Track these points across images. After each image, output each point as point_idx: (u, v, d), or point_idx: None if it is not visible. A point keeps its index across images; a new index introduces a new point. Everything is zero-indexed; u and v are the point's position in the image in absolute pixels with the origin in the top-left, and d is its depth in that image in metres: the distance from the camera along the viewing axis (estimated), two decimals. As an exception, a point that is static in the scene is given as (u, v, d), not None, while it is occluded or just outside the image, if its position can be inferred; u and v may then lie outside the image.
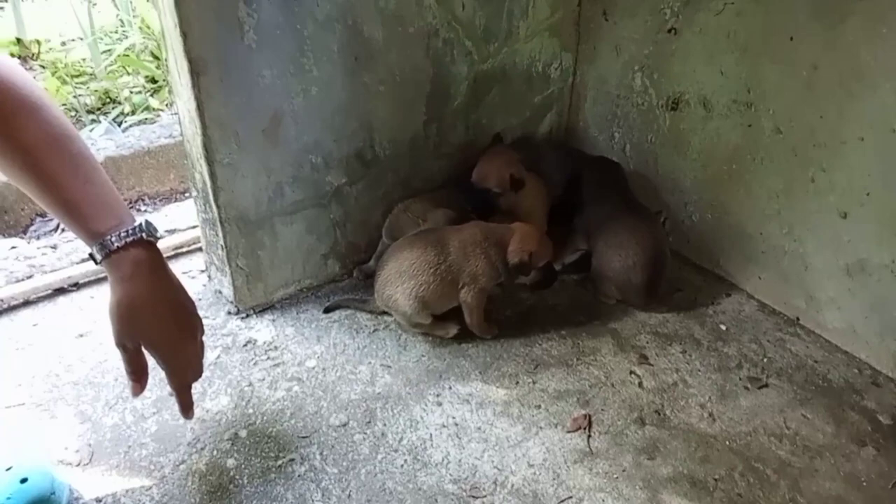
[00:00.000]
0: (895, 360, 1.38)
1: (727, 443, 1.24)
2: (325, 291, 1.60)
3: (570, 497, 1.13)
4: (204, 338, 1.06)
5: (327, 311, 1.52)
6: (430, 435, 1.23)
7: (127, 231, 0.89)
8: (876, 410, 1.31)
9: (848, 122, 1.32)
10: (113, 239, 0.88)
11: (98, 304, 1.54)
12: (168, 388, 1.03)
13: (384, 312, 1.48)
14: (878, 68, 1.25)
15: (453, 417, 1.27)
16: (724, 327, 1.53)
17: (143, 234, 0.90)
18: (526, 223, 1.46)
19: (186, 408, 1.04)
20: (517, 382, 1.36)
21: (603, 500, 1.12)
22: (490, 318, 1.49)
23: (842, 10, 1.28)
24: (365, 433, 1.23)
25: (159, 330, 0.94)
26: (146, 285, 0.91)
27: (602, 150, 1.90)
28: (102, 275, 1.58)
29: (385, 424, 1.25)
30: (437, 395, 1.32)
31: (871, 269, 1.37)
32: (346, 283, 1.62)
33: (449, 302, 1.42)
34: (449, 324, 1.45)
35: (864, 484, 1.16)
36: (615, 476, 1.16)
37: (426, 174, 1.69)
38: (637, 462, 1.19)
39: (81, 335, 1.44)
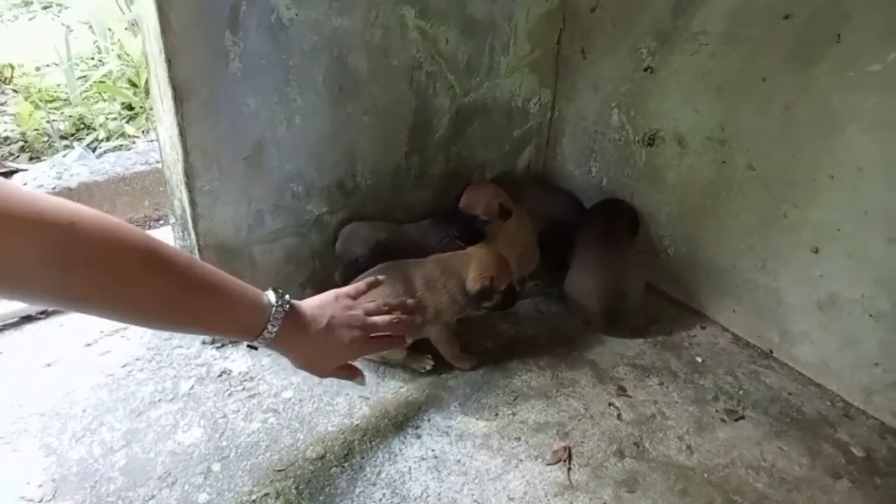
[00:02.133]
0: (866, 394, 1.41)
1: (706, 475, 1.24)
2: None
3: (552, 531, 1.11)
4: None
5: None
6: (409, 468, 1.21)
7: (272, 317, 1.01)
8: (849, 443, 1.33)
9: (819, 160, 1.37)
10: (266, 334, 1.00)
11: (67, 332, 1.49)
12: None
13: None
14: (846, 110, 1.30)
15: (432, 450, 1.25)
16: (700, 359, 1.55)
17: (283, 309, 1.02)
18: (483, 247, 1.46)
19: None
20: (497, 414, 1.35)
21: (584, 535, 1.11)
22: (468, 349, 1.48)
23: (812, 55, 1.33)
24: (342, 466, 1.20)
25: (337, 359, 1.15)
26: (307, 344, 1.08)
27: (579, 185, 1.93)
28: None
29: (363, 457, 1.23)
30: (417, 428, 1.30)
31: (842, 303, 1.41)
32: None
33: (419, 334, 1.41)
34: (424, 357, 1.44)
35: (841, 517, 1.17)
36: (596, 510, 1.15)
37: (407, 204, 1.70)
38: (617, 495, 1.18)
39: (49, 364, 1.40)
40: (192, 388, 1.36)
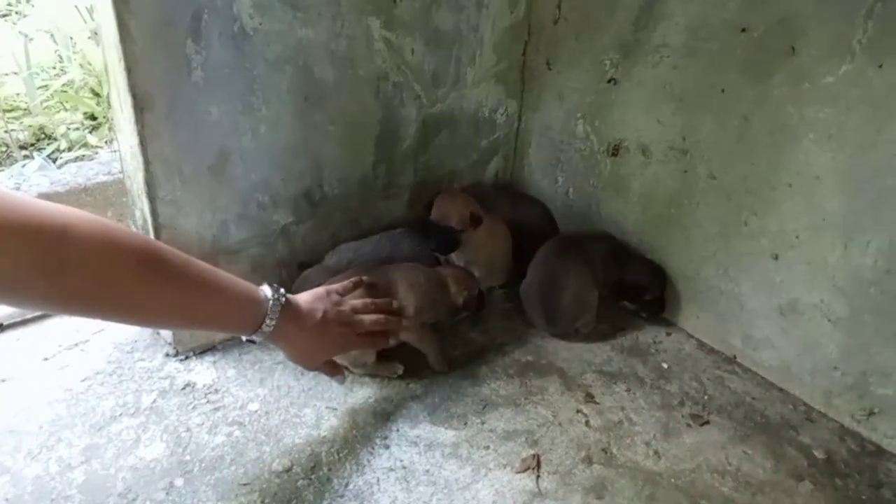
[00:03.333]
0: (826, 397, 1.44)
1: (672, 480, 1.25)
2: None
3: (520, 540, 1.11)
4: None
5: None
6: (378, 479, 1.20)
7: (270, 311, 1.04)
8: (811, 445, 1.36)
9: (777, 169, 1.41)
10: (265, 328, 1.04)
11: (24, 346, 1.45)
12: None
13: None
14: (801, 121, 1.34)
15: (401, 460, 1.24)
16: (665, 365, 1.56)
17: (280, 302, 1.05)
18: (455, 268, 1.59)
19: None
20: (466, 423, 1.35)
21: (553, 542, 1.11)
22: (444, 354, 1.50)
23: (769, 68, 1.37)
24: (309, 479, 1.19)
25: (326, 352, 1.21)
26: (302, 336, 1.11)
27: (546, 194, 1.95)
28: (29, 316, 1.51)
29: (330, 469, 1.21)
30: (385, 438, 1.29)
31: (802, 308, 1.44)
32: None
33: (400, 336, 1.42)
34: (394, 363, 1.44)
35: (803, 518, 1.19)
36: (564, 517, 1.16)
37: (375, 214, 1.69)
38: (586, 502, 1.19)
39: (4, 380, 1.36)
40: (154, 401, 1.33)
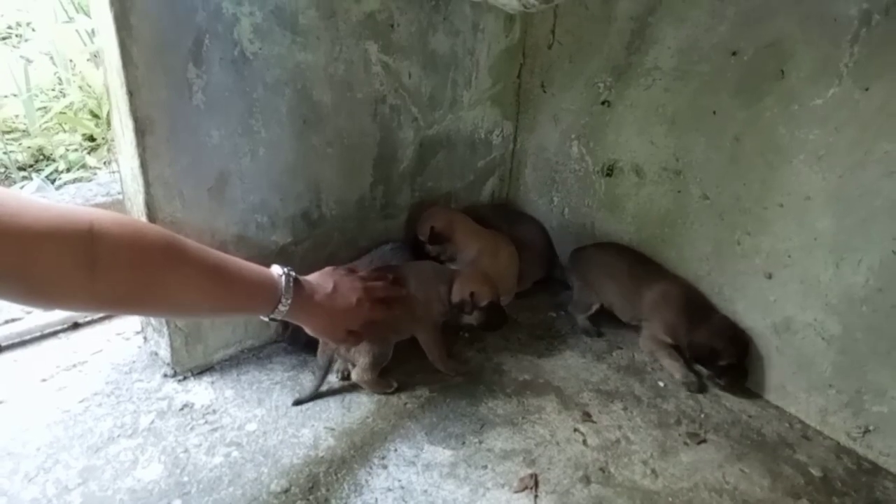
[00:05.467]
0: (822, 415, 1.45)
1: (670, 499, 1.25)
2: (268, 352, 1.56)
3: (519, 560, 1.11)
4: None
5: (297, 403, 1.42)
6: (376, 499, 1.20)
7: (285, 289, 1.08)
8: (808, 464, 1.36)
9: (768, 189, 1.43)
10: (282, 307, 1.08)
11: (22, 367, 1.45)
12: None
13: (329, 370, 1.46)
14: (792, 142, 1.37)
15: (399, 480, 1.24)
16: (662, 384, 1.57)
17: (291, 279, 1.09)
18: (472, 266, 1.62)
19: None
20: (464, 443, 1.35)
21: (551, 563, 1.11)
22: (453, 356, 1.56)
23: (759, 90, 1.40)
24: (307, 499, 1.18)
25: (348, 320, 1.22)
26: (319, 308, 1.16)
27: (542, 214, 1.97)
28: (27, 337, 1.51)
29: (328, 490, 1.21)
30: (383, 458, 1.29)
31: (796, 327, 1.45)
32: (288, 346, 1.59)
33: (403, 333, 1.48)
34: (388, 379, 1.47)
35: (801, 537, 1.20)
36: (563, 537, 1.16)
37: (372, 234, 1.71)
38: (584, 522, 1.19)
39: (1, 402, 1.35)
40: (152, 422, 1.33)
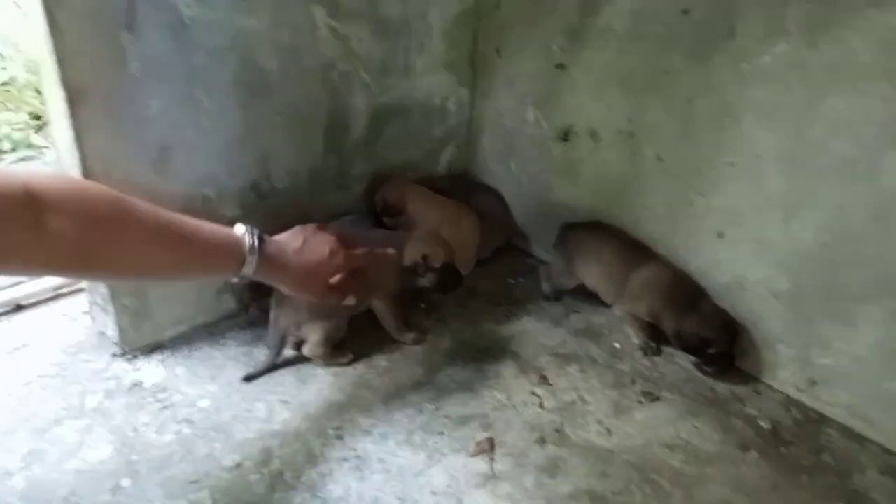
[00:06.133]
0: (772, 370, 1.48)
1: (624, 456, 1.27)
2: (221, 328, 1.53)
3: (474, 522, 1.12)
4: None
5: (248, 379, 1.39)
6: (331, 469, 1.19)
7: (251, 245, 0.99)
8: (757, 417, 1.39)
9: (720, 149, 1.43)
10: (248, 266, 0.99)
11: (-37, 352, 1.41)
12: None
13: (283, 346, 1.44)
14: (742, 101, 1.37)
15: (354, 450, 1.24)
16: (618, 346, 1.59)
17: (255, 235, 1.00)
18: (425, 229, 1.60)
19: None
20: (420, 410, 1.35)
21: (506, 523, 1.12)
22: (411, 324, 1.55)
23: (710, 49, 1.39)
24: (261, 473, 1.17)
25: (324, 272, 1.11)
26: (291, 263, 1.07)
27: (500, 181, 1.96)
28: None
29: (282, 462, 1.20)
30: (338, 429, 1.28)
31: (747, 285, 1.47)
32: (242, 320, 1.56)
33: (358, 305, 1.43)
34: (344, 352, 1.46)
35: (750, 488, 1.22)
36: (517, 497, 1.16)
37: (327, 206, 1.68)
38: (539, 482, 1.20)
39: (-58, 387, 1.31)
40: (100, 403, 1.30)
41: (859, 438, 1.35)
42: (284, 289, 1.10)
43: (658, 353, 1.57)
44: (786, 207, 1.36)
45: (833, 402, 1.39)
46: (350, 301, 1.17)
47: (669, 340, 1.56)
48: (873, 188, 1.21)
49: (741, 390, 1.47)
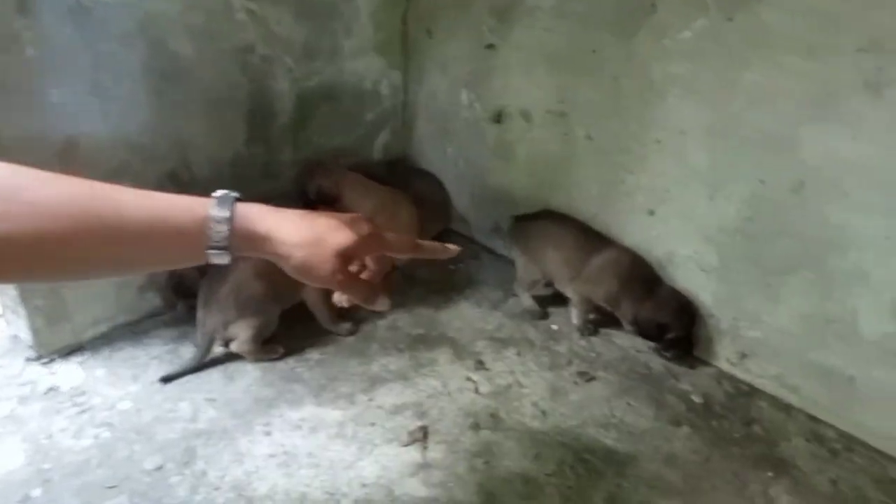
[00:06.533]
0: (705, 344, 1.49)
1: (558, 438, 1.27)
2: (144, 327, 1.47)
3: (404, 512, 1.10)
4: None
5: (165, 380, 1.33)
6: (257, 467, 1.16)
7: (217, 205, 0.70)
8: (690, 391, 1.41)
9: (646, 126, 1.43)
10: (217, 227, 0.68)
11: None
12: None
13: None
14: (665, 77, 1.37)
15: (283, 446, 1.20)
16: (555, 327, 1.58)
17: (232, 200, 0.72)
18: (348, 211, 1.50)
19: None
20: (353, 402, 1.32)
21: (437, 512, 1.10)
22: (343, 316, 1.50)
23: (632, 26, 1.38)
24: (183, 474, 1.13)
25: (335, 238, 0.72)
26: (292, 225, 0.72)
27: (438, 166, 1.93)
28: None
29: (206, 462, 1.16)
30: (266, 425, 1.25)
31: (678, 261, 1.48)
32: (168, 318, 1.50)
33: (288, 300, 1.43)
34: (274, 345, 1.42)
35: (681, 462, 1.23)
36: (450, 485, 1.15)
37: (254, 195, 1.60)
38: (472, 467, 1.19)
39: None
40: (13, 409, 1.23)
41: (787, 408, 1.38)
42: (282, 261, 0.73)
43: (595, 333, 1.57)
44: (710, 183, 1.37)
45: (763, 374, 1.41)
46: (383, 306, 0.78)
47: (623, 326, 1.54)
48: (792, 161, 1.22)
49: (674, 367, 1.48)
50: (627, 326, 1.52)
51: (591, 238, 1.56)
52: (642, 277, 1.49)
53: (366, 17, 1.72)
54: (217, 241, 0.68)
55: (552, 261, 1.58)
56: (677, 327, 1.44)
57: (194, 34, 1.38)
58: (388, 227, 1.55)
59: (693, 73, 1.32)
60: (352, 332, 1.50)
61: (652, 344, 1.50)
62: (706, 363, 1.50)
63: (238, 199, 0.73)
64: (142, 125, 1.36)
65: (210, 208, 0.70)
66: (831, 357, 1.30)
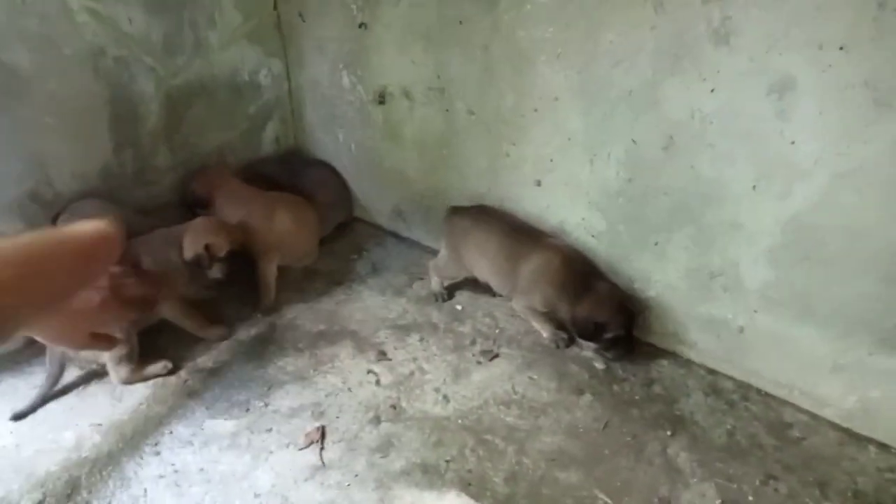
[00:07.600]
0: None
1: (460, 422, 1.25)
2: (26, 355, 1.39)
3: (299, 519, 1.07)
4: None
5: (17, 418, 1.25)
6: (145, 490, 1.11)
7: None
8: (592, 358, 1.41)
9: (521, 96, 1.40)
10: None
11: None
12: None
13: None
14: (531, 44, 1.34)
15: (173, 464, 1.16)
16: (459, 307, 1.57)
17: None
18: (205, 216, 1.48)
19: None
20: (248, 409, 1.28)
21: (333, 513, 1.08)
22: (213, 318, 1.46)
23: (493, -7, 1.34)
24: (63, 509, 1.08)
25: (90, 318, 0.71)
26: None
27: (331, 154, 1.88)
28: None
29: (90, 491, 1.11)
30: (156, 444, 1.20)
31: (569, 228, 1.47)
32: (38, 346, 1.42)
33: (147, 319, 1.37)
34: (161, 361, 1.37)
35: (582, 431, 1.23)
36: (347, 484, 1.13)
37: (134, 203, 1.54)
38: (370, 463, 1.17)
39: None
40: None
41: (687, 364, 1.40)
42: (38, 335, 0.72)
43: (571, 343, 1.45)
44: (588, 148, 1.36)
45: (662, 332, 1.43)
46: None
47: (567, 327, 1.43)
48: (657, 118, 1.22)
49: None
50: (570, 328, 1.42)
51: (518, 242, 1.44)
52: (577, 276, 1.38)
53: (229, 6, 1.64)
54: None
55: (484, 269, 1.50)
56: (615, 326, 1.34)
57: (31, 42, 1.29)
58: (266, 234, 1.51)
59: (558, 36, 1.29)
60: (224, 337, 1.45)
61: (592, 345, 1.39)
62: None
63: None
64: (-15, 146, 1.26)
65: None
66: (721, 309, 1.31)
